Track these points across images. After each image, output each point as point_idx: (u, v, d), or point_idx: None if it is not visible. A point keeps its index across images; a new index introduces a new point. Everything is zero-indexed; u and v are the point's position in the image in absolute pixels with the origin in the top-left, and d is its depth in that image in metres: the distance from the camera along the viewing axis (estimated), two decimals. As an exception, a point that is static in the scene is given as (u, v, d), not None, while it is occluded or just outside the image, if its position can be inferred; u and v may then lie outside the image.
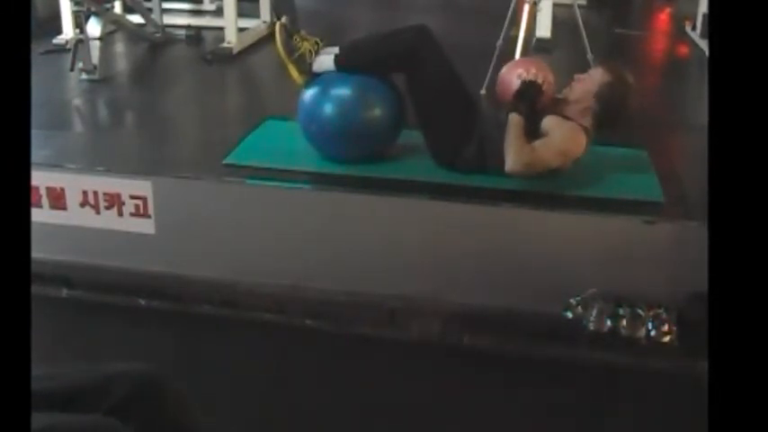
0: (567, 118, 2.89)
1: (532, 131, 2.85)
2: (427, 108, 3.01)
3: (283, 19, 3.06)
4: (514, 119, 2.86)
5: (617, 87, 2.92)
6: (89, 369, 1.56)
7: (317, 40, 3.04)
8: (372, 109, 3.03)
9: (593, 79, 2.94)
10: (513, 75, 3.06)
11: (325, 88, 3.02)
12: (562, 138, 2.86)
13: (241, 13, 5.02)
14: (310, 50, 3.01)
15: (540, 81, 2.96)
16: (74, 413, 1.43)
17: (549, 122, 2.87)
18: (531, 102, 2.92)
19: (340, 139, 3.03)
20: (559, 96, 2.99)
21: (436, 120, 3.01)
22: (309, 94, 3.04)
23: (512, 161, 2.80)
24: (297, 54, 3.00)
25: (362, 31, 4.76)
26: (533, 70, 3.02)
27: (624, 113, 2.97)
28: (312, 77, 3.03)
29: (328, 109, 3.00)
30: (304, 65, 3.01)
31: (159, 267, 3.01)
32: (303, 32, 3.04)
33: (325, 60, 3.01)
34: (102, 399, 1.48)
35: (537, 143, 2.83)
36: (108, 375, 1.53)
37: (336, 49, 3.03)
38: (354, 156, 3.06)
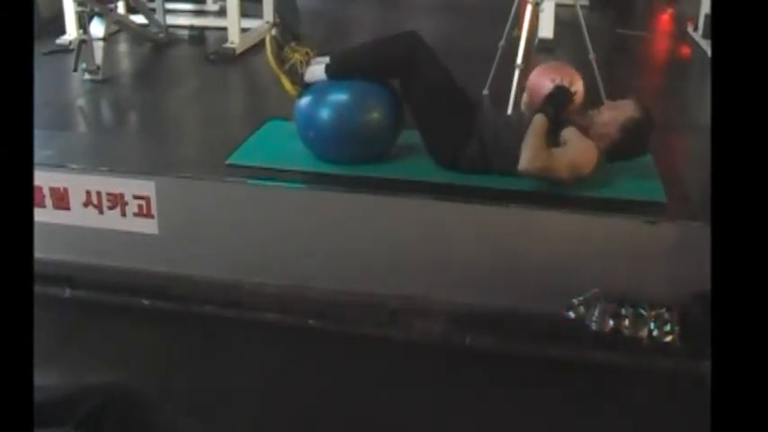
0: (587, 136, 2.90)
1: (551, 137, 2.86)
2: (423, 112, 3.01)
3: (273, 31, 3.07)
4: (539, 119, 2.86)
5: (642, 125, 2.93)
6: (60, 383, 1.56)
7: (308, 50, 3.05)
8: (369, 113, 3.03)
9: (623, 110, 2.94)
10: (547, 77, 3.08)
11: (319, 95, 3.03)
12: (578, 152, 2.86)
13: (244, 14, 5.02)
14: (301, 61, 3.02)
15: (573, 90, 2.98)
16: (43, 428, 1.43)
17: (569, 134, 2.88)
18: (560, 107, 2.93)
19: (337, 144, 3.03)
20: (587, 115, 3.00)
21: (433, 123, 3.01)
22: (305, 101, 3.05)
23: (527, 160, 2.79)
24: (288, 65, 3.01)
25: (364, 31, 4.77)
26: (568, 78, 3.04)
27: (639, 151, 2.99)
28: (305, 87, 3.04)
29: (324, 115, 3.00)
30: (296, 75, 3.02)
31: (162, 267, 3.01)
32: (293, 44, 3.05)
33: (316, 70, 3.02)
34: (72, 412, 1.47)
35: (554, 150, 2.84)
36: (78, 389, 1.53)
37: (327, 59, 3.04)
38: (353, 159, 3.07)
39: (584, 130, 2.92)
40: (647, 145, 2.99)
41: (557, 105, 2.93)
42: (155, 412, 1.62)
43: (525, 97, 3.26)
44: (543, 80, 3.10)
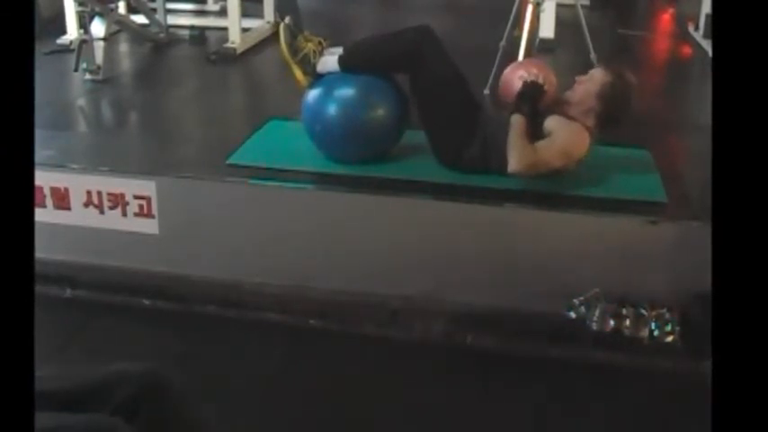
0: (570, 119, 2.90)
1: (535, 132, 2.86)
2: (431, 108, 3.01)
3: (287, 20, 3.05)
4: (517, 119, 2.86)
5: (618, 87, 2.92)
6: (94, 369, 1.57)
7: (321, 40, 3.03)
8: (376, 109, 3.03)
9: (594, 80, 2.94)
10: (515, 76, 3.07)
11: (329, 89, 3.02)
12: (565, 138, 2.86)
13: (245, 14, 5.02)
14: (314, 51, 3.01)
15: (541, 81, 2.97)
16: (79, 413, 1.44)
17: (551, 123, 2.87)
18: (533, 102, 2.92)
19: (344, 139, 3.03)
20: (562, 98, 2.99)
21: (440, 120, 3.01)
22: (314, 94, 3.04)
23: (515, 161, 2.80)
24: (301, 55, 3.00)
25: (365, 32, 4.76)
26: (535, 71, 3.02)
27: (627, 113, 2.97)
28: (316, 78, 3.03)
29: (332, 109, 3.00)
30: (308, 66, 3.01)
31: (163, 267, 3.01)
32: (307, 33, 3.04)
33: (329, 61, 3.01)
34: (107, 399, 1.48)
35: (539, 144, 2.84)
36: (112, 375, 1.54)
37: (340, 50, 3.03)
38: (358, 156, 3.07)
39: (566, 115, 2.91)
40: (630, 105, 2.96)
41: (529, 101, 2.92)
42: (185, 402, 1.63)
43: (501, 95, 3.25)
44: (513, 79, 3.09)
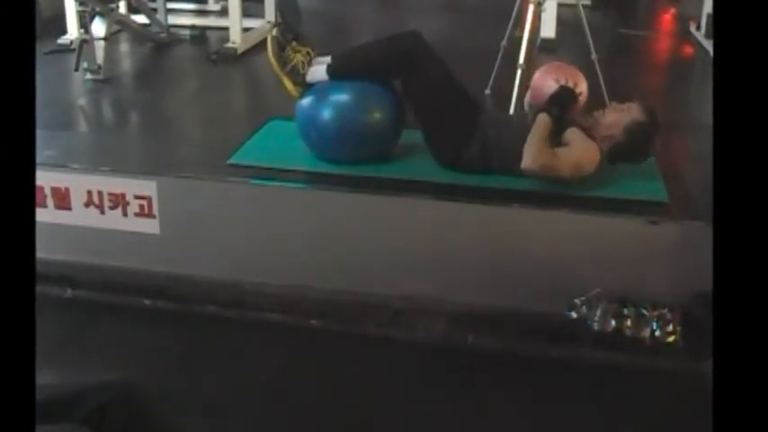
0: (589, 136, 2.90)
1: (554, 137, 2.86)
2: (425, 112, 3.01)
3: (275, 32, 3.06)
4: (543, 119, 2.86)
5: (647, 129, 2.92)
6: (64, 381, 1.58)
7: (309, 50, 3.04)
8: (371, 113, 3.03)
9: (629, 113, 2.94)
10: (550, 77, 3.07)
11: (321, 94, 3.03)
12: (581, 151, 2.86)
13: (246, 14, 5.03)
14: (303, 62, 3.01)
15: (577, 90, 2.98)
16: (48, 424, 1.43)
17: (571, 134, 2.88)
18: (565, 107, 2.93)
19: (339, 143, 3.03)
20: (591, 115, 3.00)
21: (435, 123, 3.01)
22: (306, 101, 3.05)
23: (530, 159, 2.80)
24: (290, 66, 3.01)
25: (366, 32, 4.77)
26: (572, 78, 3.04)
27: (642, 154, 2.98)
28: (306, 88, 3.04)
29: (326, 115, 3.00)
30: (298, 76, 3.02)
31: (163, 267, 3.01)
32: (295, 44, 3.04)
33: (318, 71, 3.02)
34: (78, 409, 1.49)
35: (559, 149, 2.84)
36: (84, 387, 1.55)
37: (329, 59, 3.03)
38: (353, 159, 3.07)
39: (588, 131, 2.92)
40: (650, 149, 2.98)
41: (560, 106, 2.93)
42: (158, 410, 1.64)
43: (528, 96, 3.26)
44: (547, 80, 3.09)
